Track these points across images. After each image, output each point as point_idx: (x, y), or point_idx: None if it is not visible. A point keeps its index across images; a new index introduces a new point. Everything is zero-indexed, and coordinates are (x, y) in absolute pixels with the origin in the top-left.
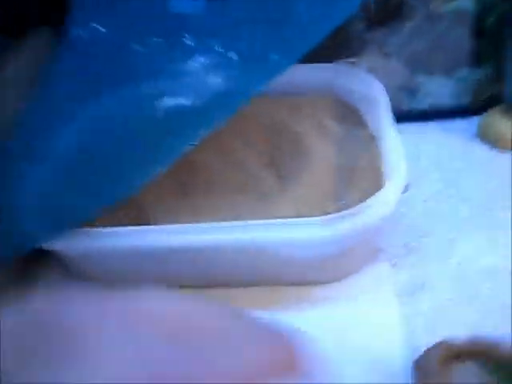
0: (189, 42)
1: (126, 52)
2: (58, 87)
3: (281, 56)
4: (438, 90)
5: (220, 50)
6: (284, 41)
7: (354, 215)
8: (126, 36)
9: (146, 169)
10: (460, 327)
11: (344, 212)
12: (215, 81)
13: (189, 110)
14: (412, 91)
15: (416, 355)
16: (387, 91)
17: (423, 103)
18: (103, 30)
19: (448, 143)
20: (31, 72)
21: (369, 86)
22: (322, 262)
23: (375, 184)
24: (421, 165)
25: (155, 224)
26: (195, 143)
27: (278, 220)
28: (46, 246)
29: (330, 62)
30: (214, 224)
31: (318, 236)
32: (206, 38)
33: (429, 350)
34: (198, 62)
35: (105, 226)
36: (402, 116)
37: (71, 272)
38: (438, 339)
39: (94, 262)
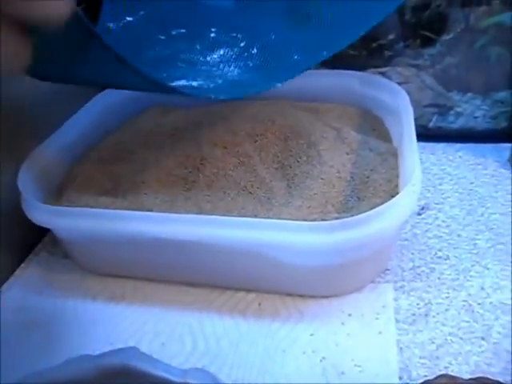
0: (212, 34)
1: (150, 42)
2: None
3: (302, 57)
4: (472, 110)
5: (242, 45)
6: (307, 42)
7: (358, 224)
8: (152, 27)
9: None
10: (460, 366)
11: (348, 219)
12: (231, 72)
13: (195, 89)
14: (444, 109)
15: None
16: (417, 106)
17: (455, 123)
18: (133, 21)
19: (476, 168)
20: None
21: (395, 98)
22: (319, 272)
23: (388, 199)
24: (443, 188)
25: None
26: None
27: (277, 221)
28: (44, 223)
29: (360, 70)
30: (208, 217)
31: (317, 242)
32: (230, 32)
33: (426, 383)
34: (217, 54)
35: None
36: (431, 134)
37: (65, 251)
38: (433, 375)
39: (87, 243)
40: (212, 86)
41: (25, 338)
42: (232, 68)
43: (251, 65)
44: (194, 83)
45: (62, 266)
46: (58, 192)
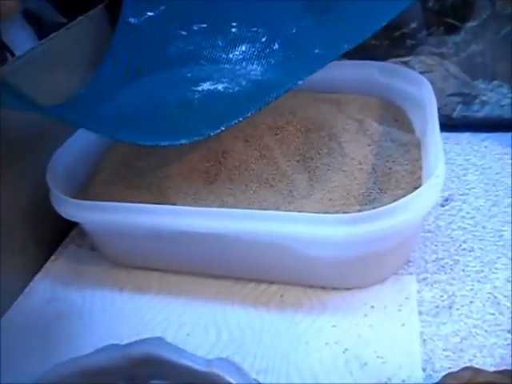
0: (234, 29)
1: (172, 37)
2: (112, 68)
3: (324, 51)
4: (498, 98)
5: (263, 40)
6: (328, 35)
7: (380, 216)
8: (174, 22)
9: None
10: (485, 359)
11: (371, 211)
12: (254, 70)
13: (223, 96)
14: (468, 98)
15: (431, 381)
16: (440, 95)
17: (480, 112)
18: (154, 16)
19: (502, 158)
20: (83, 48)
21: (417, 87)
22: (341, 264)
23: (411, 191)
24: (468, 178)
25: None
26: (220, 130)
27: (298, 214)
28: (72, 217)
29: (383, 60)
30: (230, 210)
31: (340, 234)
32: (252, 28)
33: (448, 376)
34: (239, 51)
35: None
36: (456, 124)
37: (92, 244)
38: (457, 368)
39: (114, 236)
40: (237, 89)
41: (56, 329)
42: (255, 66)
43: (273, 62)
44: (220, 86)
45: (89, 259)
46: (85, 186)
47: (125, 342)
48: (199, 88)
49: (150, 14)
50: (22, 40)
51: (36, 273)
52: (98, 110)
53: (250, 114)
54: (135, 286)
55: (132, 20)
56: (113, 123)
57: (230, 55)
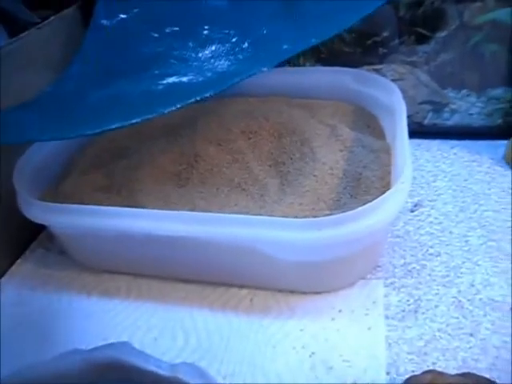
0: (205, 31)
1: (144, 39)
2: (82, 67)
3: (292, 46)
4: (467, 107)
5: (234, 41)
6: (297, 32)
7: (347, 220)
8: (146, 24)
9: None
10: (448, 362)
11: (339, 215)
12: (222, 65)
13: (186, 85)
14: (438, 106)
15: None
16: (412, 103)
17: (449, 120)
18: (126, 18)
19: (470, 165)
20: (54, 48)
21: (389, 95)
22: (310, 268)
23: (380, 196)
24: (437, 184)
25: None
26: (175, 108)
27: (268, 218)
28: (40, 220)
29: (356, 67)
30: (199, 214)
31: (308, 238)
32: (224, 30)
33: (411, 379)
34: (209, 50)
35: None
36: (426, 131)
37: (61, 247)
38: (421, 370)
39: (82, 239)
40: (201, 79)
41: (20, 333)
42: (222, 61)
43: (241, 57)
44: (185, 79)
45: (57, 262)
46: (53, 188)
47: (91, 346)
48: (164, 82)
49: (122, 16)
50: None
51: (1, 277)
52: (60, 108)
53: (207, 95)
54: (103, 290)
55: (104, 22)
56: (70, 120)
57: (200, 54)
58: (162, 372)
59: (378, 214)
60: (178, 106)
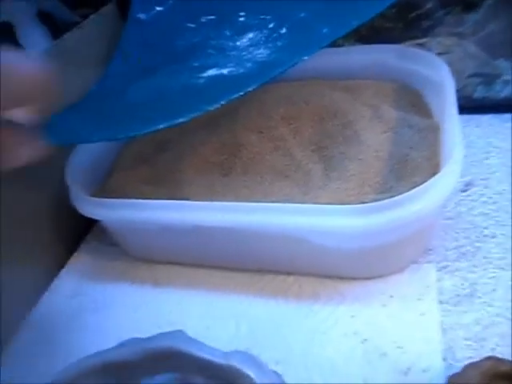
0: (241, 18)
1: (180, 30)
2: (122, 64)
3: (332, 29)
4: None
5: (271, 27)
6: (337, 14)
7: (397, 205)
8: (182, 15)
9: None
10: (507, 348)
11: (387, 201)
12: (261, 54)
13: (227, 78)
14: (489, 78)
15: (452, 371)
16: (460, 77)
17: (501, 92)
18: (162, 10)
19: None
20: (96, 46)
21: (433, 69)
22: (359, 254)
23: (429, 178)
24: (490, 162)
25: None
26: (219, 105)
27: (314, 205)
28: (91, 215)
29: (398, 43)
30: (244, 204)
31: (356, 225)
32: (260, 16)
33: (469, 366)
34: (246, 38)
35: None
36: (476, 106)
37: (113, 240)
38: (478, 357)
39: (131, 232)
40: (241, 71)
41: (80, 323)
42: (261, 50)
43: (280, 44)
44: (225, 71)
45: (111, 254)
46: (102, 184)
47: (146, 335)
48: (204, 74)
49: (158, 8)
50: (36, 41)
51: (60, 269)
52: (103, 107)
53: (251, 89)
54: (155, 279)
55: (141, 15)
56: (114, 121)
57: (238, 43)
58: (216, 360)
59: (428, 198)
60: (223, 102)
